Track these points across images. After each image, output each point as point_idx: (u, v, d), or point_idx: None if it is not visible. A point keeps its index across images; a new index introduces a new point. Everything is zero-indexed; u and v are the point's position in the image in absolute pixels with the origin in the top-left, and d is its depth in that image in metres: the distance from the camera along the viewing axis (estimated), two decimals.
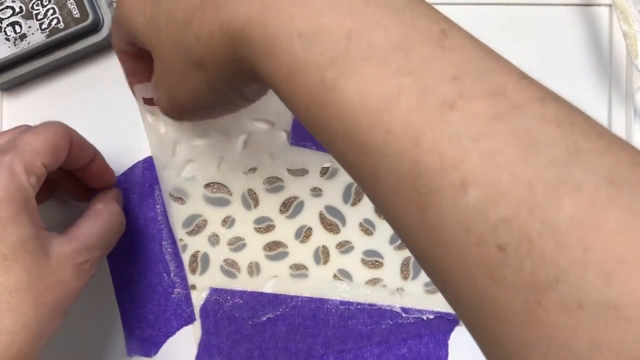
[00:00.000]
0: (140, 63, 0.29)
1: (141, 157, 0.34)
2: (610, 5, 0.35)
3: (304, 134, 0.34)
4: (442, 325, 0.33)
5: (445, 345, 0.33)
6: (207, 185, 0.34)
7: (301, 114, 0.19)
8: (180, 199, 0.34)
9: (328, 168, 0.34)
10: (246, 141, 0.34)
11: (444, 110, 0.16)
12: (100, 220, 0.28)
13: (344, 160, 0.19)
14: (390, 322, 0.33)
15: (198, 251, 0.34)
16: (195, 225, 0.34)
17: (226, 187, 0.34)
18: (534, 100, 0.16)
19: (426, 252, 0.17)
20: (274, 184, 0.34)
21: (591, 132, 0.16)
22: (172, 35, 0.22)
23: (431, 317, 0.33)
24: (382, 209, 0.19)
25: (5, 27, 0.31)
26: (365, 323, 0.33)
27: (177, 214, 0.34)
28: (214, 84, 0.23)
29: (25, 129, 0.27)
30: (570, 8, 0.35)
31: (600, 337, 0.14)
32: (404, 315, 0.33)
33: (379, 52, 0.17)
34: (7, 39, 0.31)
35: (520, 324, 0.15)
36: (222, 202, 0.34)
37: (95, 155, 0.30)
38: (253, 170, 0.34)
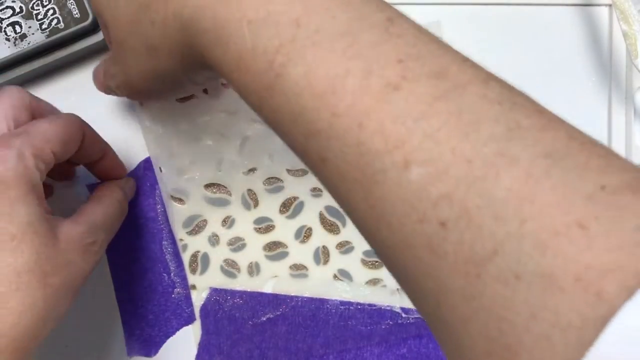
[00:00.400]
0: None
1: (141, 157, 0.34)
2: (610, 5, 0.35)
3: None
4: None
5: None
6: (207, 186, 0.34)
7: (252, 100, 0.20)
8: (180, 199, 0.34)
9: None
10: (245, 142, 0.34)
11: (388, 91, 0.17)
12: (102, 204, 0.29)
13: (294, 145, 0.19)
14: (390, 322, 0.33)
15: (198, 251, 0.34)
16: (195, 225, 0.34)
17: (226, 187, 0.34)
18: (476, 81, 0.17)
19: (373, 233, 0.18)
20: (273, 184, 0.34)
21: (532, 110, 0.17)
22: (129, 15, 0.23)
23: None
24: (332, 193, 0.19)
25: (5, 27, 0.31)
26: (365, 323, 0.33)
27: (177, 214, 0.34)
28: (166, 68, 0.23)
29: (40, 119, 0.27)
30: (570, 8, 0.35)
31: (536, 308, 0.14)
32: (404, 315, 0.33)
33: (325, 37, 0.18)
34: (7, 39, 0.31)
35: (461, 298, 0.15)
36: (222, 203, 0.34)
37: (106, 151, 0.31)
38: (253, 170, 0.34)
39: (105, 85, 0.29)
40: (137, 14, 0.23)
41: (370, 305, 0.33)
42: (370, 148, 0.17)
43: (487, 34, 0.35)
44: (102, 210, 0.28)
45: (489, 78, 0.17)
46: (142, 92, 0.26)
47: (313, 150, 0.18)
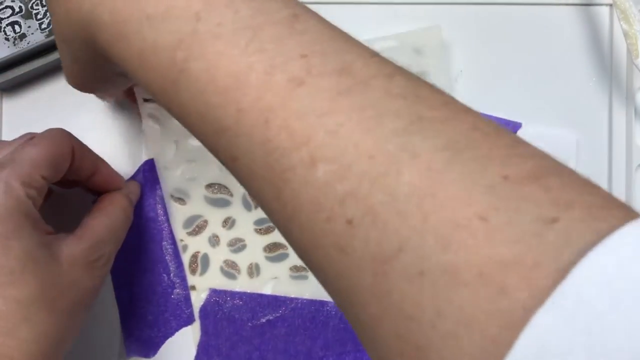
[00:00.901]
0: None
1: (142, 156, 0.34)
2: (610, 5, 0.35)
3: None
4: None
5: None
6: (208, 186, 0.34)
7: (159, 98, 0.19)
8: (181, 199, 0.34)
9: None
10: None
11: (292, 87, 0.16)
12: (106, 215, 0.28)
13: (206, 142, 0.19)
14: None
15: (198, 252, 0.34)
16: (196, 225, 0.34)
17: (227, 188, 0.34)
18: (380, 76, 0.17)
19: (288, 233, 0.17)
20: None
21: (437, 102, 0.16)
22: (49, 5, 0.22)
23: None
24: (247, 190, 0.19)
25: (4, 27, 0.31)
26: None
27: (178, 214, 0.33)
28: (82, 60, 0.23)
29: (26, 140, 0.27)
30: (570, 8, 0.35)
31: (442, 304, 0.14)
32: None
33: (227, 31, 0.17)
34: (7, 39, 0.31)
35: (370, 297, 0.15)
36: (223, 203, 0.34)
37: (98, 165, 0.30)
38: None
39: None
40: (51, 3, 0.22)
41: None
42: (278, 145, 0.16)
43: (487, 34, 0.35)
44: (107, 223, 0.28)
45: (395, 72, 0.17)
46: (84, 84, 0.25)
47: (223, 148, 0.18)
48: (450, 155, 0.15)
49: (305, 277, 0.34)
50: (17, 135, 0.34)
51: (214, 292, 0.33)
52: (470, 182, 0.14)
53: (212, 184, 0.34)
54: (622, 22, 0.32)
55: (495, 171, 0.15)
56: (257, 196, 0.18)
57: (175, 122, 0.32)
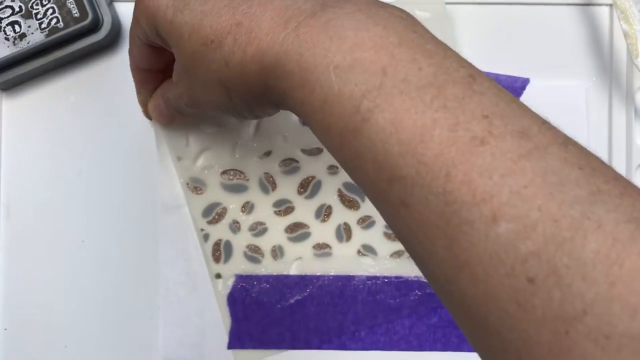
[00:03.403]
0: (151, 64, 0.29)
1: (142, 156, 0.34)
2: (610, 5, 0.34)
3: None
4: None
5: None
6: (223, 173, 0.33)
7: (333, 142, 0.20)
8: (198, 188, 0.33)
9: None
10: (258, 125, 0.33)
11: (475, 145, 0.17)
12: None
13: (372, 188, 0.20)
14: (419, 293, 0.33)
15: (220, 239, 0.33)
16: (215, 213, 0.33)
17: (243, 173, 0.33)
18: (556, 144, 0.18)
19: (452, 282, 0.18)
20: (289, 166, 0.34)
21: (609, 176, 0.17)
22: (198, 51, 0.23)
23: None
24: (407, 239, 0.19)
25: (4, 27, 0.31)
26: (394, 296, 0.33)
27: (196, 204, 0.33)
28: (234, 102, 0.24)
29: None
30: (570, 8, 0.35)
31: None
32: None
33: (412, 87, 0.18)
34: (7, 39, 0.31)
35: (548, 353, 0.16)
36: (240, 189, 0.33)
37: None
38: (268, 153, 0.33)
39: (172, 110, 0.29)
40: (204, 51, 0.23)
41: (397, 277, 0.33)
42: (457, 198, 0.17)
43: (487, 33, 0.35)
44: None
45: (567, 142, 0.18)
46: (207, 110, 0.27)
47: (394, 194, 0.19)
48: (633, 228, 0.16)
49: (329, 254, 0.34)
50: (17, 135, 0.34)
51: (240, 278, 0.33)
52: None
53: (227, 170, 0.33)
54: (622, 22, 0.32)
55: None
56: (421, 241, 0.18)
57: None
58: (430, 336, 0.33)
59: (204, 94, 0.25)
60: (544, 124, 0.18)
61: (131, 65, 0.30)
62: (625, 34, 0.32)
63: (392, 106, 0.18)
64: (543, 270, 0.16)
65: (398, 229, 0.20)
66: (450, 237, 0.17)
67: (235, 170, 0.33)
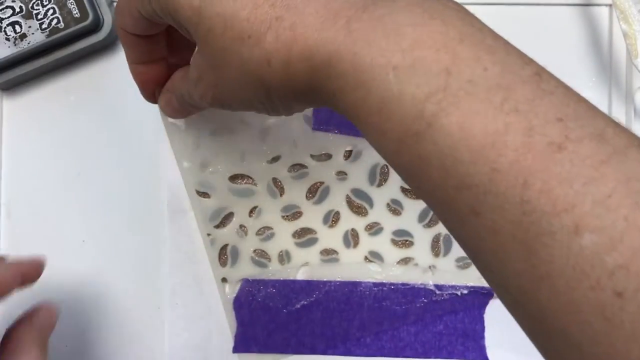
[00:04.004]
0: (146, 48, 0.27)
1: (143, 157, 0.33)
2: (610, 5, 0.34)
3: (325, 118, 0.33)
4: (477, 300, 0.33)
5: (481, 320, 0.33)
6: (232, 177, 0.33)
7: (390, 147, 0.19)
8: (205, 193, 0.33)
9: (351, 151, 0.33)
10: (267, 130, 0.33)
11: (552, 151, 0.16)
12: None
13: (436, 195, 0.18)
14: (425, 300, 0.33)
15: (227, 244, 0.33)
16: (222, 218, 0.33)
17: (251, 177, 0.33)
18: (633, 146, 0.17)
19: (528, 294, 0.17)
20: (298, 171, 0.33)
21: None
22: (232, 47, 0.21)
23: (465, 292, 0.33)
24: (476, 247, 0.18)
25: (5, 27, 0.31)
26: (400, 303, 0.34)
27: (203, 208, 0.33)
28: (272, 102, 0.22)
29: None
30: (570, 8, 0.35)
31: None
32: (437, 292, 0.33)
33: (480, 89, 0.17)
34: (7, 39, 0.31)
35: None
36: (248, 193, 0.33)
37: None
38: (277, 158, 0.33)
39: (187, 107, 0.27)
40: (239, 47, 0.21)
41: (403, 284, 0.34)
42: (536, 208, 0.16)
43: None
44: None
45: None
46: (230, 109, 0.25)
47: (464, 202, 0.18)
48: None
49: (336, 260, 0.34)
50: (17, 135, 0.33)
51: (247, 282, 0.33)
52: None
53: (236, 175, 0.33)
54: (621, 23, 0.32)
55: None
56: (496, 252, 0.17)
57: (197, 115, 0.31)
58: (435, 343, 0.33)
59: (236, 92, 0.22)
60: (617, 124, 0.17)
61: (122, 35, 0.26)
62: (625, 34, 0.32)
63: (460, 110, 0.17)
64: (632, 284, 0.15)
65: (464, 237, 0.19)
66: (529, 248, 0.16)
67: (244, 174, 0.33)
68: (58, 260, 0.34)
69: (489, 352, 0.33)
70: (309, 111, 0.33)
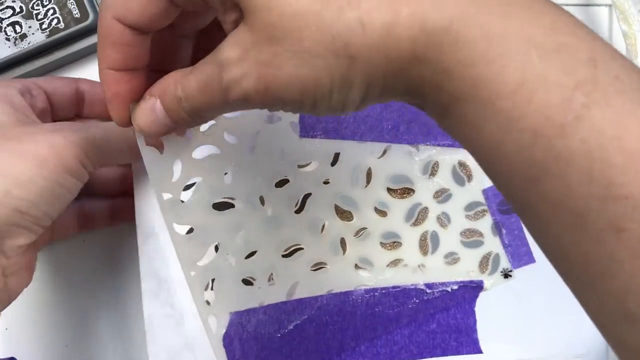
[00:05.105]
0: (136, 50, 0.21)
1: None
2: (610, 6, 0.34)
3: (311, 123, 0.30)
4: (467, 294, 0.34)
5: (473, 313, 0.34)
6: (216, 205, 0.28)
7: (520, 140, 0.16)
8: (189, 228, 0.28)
9: (339, 154, 0.31)
10: (254, 147, 0.29)
11: None
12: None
13: (566, 205, 0.16)
14: (417, 301, 0.34)
15: (213, 279, 0.29)
16: (207, 252, 0.28)
17: (235, 198, 0.29)
18: None
19: None
20: (284, 186, 0.30)
21: None
22: (312, 8, 0.16)
23: (455, 287, 0.33)
24: (605, 272, 0.16)
25: (5, 27, 0.30)
26: (392, 306, 0.33)
27: (187, 246, 0.27)
28: (344, 82, 0.17)
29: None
30: (570, 8, 0.33)
31: None
32: (428, 291, 0.33)
33: (627, 88, 0.15)
34: (8, 39, 0.30)
35: None
36: (233, 218, 0.29)
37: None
38: (265, 175, 0.30)
39: (184, 115, 0.21)
40: (320, 9, 0.16)
41: (394, 287, 0.33)
42: None
43: None
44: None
45: None
46: (274, 103, 0.19)
47: (606, 215, 0.15)
48: None
49: (326, 271, 0.31)
50: None
51: (236, 315, 0.30)
52: None
53: (220, 201, 0.29)
54: (621, 23, 0.31)
55: None
56: (637, 275, 0.15)
57: (175, 140, 0.26)
58: (429, 342, 0.33)
59: (299, 70, 0.17)
60: None
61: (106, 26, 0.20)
62: (625, 35, 0.32)
63: (612, 106, 0.15)
64: None
65: (592, 259, 0.16)
66: None
67: (229, 198, 0.29)
68: (58, 260, 0.33)
69: (482, 345, 0.33)
70: (295, 117, 0.30)
